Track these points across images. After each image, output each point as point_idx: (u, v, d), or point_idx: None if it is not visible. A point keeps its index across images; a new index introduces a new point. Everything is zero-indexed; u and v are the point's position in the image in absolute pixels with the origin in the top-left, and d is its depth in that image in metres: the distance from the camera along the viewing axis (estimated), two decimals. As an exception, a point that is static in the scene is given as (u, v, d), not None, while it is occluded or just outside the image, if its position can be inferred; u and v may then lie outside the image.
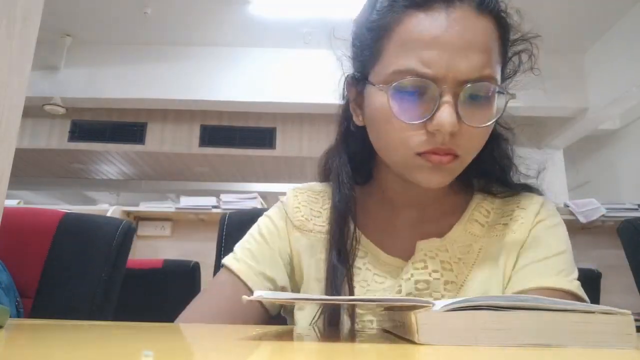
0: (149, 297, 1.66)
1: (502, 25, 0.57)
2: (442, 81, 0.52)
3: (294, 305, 0.66)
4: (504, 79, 0.61)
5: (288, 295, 0.55)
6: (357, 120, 0.62)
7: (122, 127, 5.00)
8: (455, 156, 0.55)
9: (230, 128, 5.00)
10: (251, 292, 0.63)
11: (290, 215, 0.69)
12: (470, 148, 0.56)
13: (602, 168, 5.34)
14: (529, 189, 0.68)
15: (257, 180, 6.48)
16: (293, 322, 0.66)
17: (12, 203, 3.11)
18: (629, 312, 0.32)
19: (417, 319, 0.32)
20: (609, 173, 5.20)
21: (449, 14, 0.52)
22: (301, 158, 4.96)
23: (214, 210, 3.27)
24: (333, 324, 0.59)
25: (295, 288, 0.67)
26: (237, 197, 3.40)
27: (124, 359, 0.25)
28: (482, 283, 0.59)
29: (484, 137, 0.56)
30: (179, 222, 3.54)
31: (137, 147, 5.05)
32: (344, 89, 0.65)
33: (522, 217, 0.63)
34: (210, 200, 3.35)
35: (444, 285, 0.59)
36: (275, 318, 0.68)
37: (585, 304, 0.32)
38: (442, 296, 0.59)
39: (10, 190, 0.55)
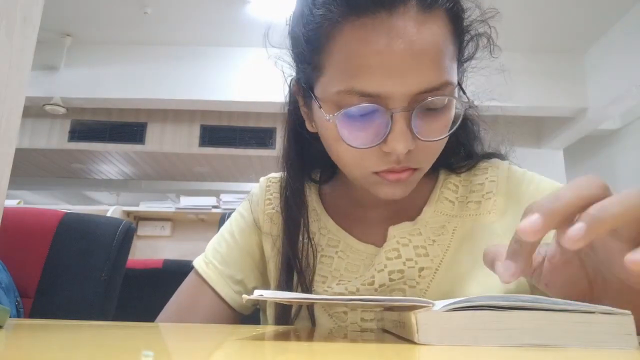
0: (149, 297, 1.66)
1: (454, 15, 0.50)
2: (391, 100, 0.47)
3: (266, 303, 0.64)
4: (462, 63, 0.57)
5: (288, 295, 0.55)
6: (310, 127, 0.59)
7: (122, 127, 5.00)
8: (413, 170, 0.52)
9: (230, 128, 5.00)
10: (219, 296, 0.63)
11: (261, 208, 0.67)
12: (427, 159, 0.53)
13: (602, 168, 5.34)
14: (490, 155, 0.66)
15: (257, 180, 6.46)
16: (265, 320, 0.65)
17: (12, 203, 3.11)
18: (629, 312, 0.32)
19: (417, 319, 0.32)
20: (609, 173, 5.20)
21: (393, 21, 0.46)
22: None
23: (214, 210, 3.27)
24: (294, 322, 0.59)
25: (268, 285, 0.66)
26: (237, 197, 3.41)
27: (124, 359, 0.25)
28: (459, 266, 0.57)
29: (442, 145, 0.53)
30: (179, 222, 3.54)
31: (137, 147, 5.04)
32: (290, 90, 0.62)
33: (493, 191, 0.60)
34: (210, 200, 3.35)
35: (418, 272, 0.56)
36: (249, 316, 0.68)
37: (585, 304, 0.32)
38: (417, 283, 0.56)
39: (10, 190, 0.54)
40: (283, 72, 0.62)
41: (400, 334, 0.37)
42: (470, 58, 0.58)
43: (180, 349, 0.34)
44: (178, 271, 1.85)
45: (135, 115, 4.99)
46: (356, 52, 0.47)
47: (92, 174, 6.57)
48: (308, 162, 0.66)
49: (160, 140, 5.03)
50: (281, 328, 0.61)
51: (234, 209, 0.75)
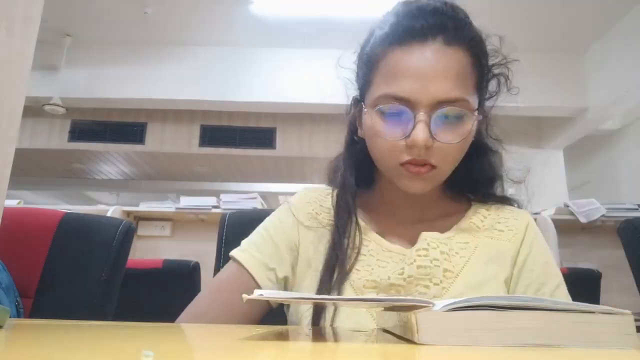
0: (149, 297, 1.66)
1: (474, 53, 0.66)
2: (416, 104, 0.62)
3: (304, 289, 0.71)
4: (484, 98, 0.71)
5: (287, 294, 0.55)
6: (360, 133, 0.73)
7: (122, 127, 5.00)
8: (432, 167, 0.64)
9: (230, 128, 5.00)
10: (254, 279, 0.70)
11: (301, 209, 0.76)
12: (445, 160, 0.64)
13: (602, 168, 5.34)
14: (510, 200, 0.78)
15: (257, 180, 6.48)
16: (297, 318, 0.70)
17: (12, 203, 3.11)
18: (629, 312, 0.32)
19: (417, 319, 0.32)
20: (609, 173, 5.21)
21: (423, 49, 0.63)
22: (301, 158, 4.96)
23: (214, 210, 3.27)
24: (318, 320, 0.65)
25: (295, 279, 0.73)
26: (237, 197, 3.40)
27: (124, 359, 0.25)
28: (476, 275, 0.67)
29: (458, 151, 0.65)
30: (179, 222, 3.54)
31: (137, 147, 5.05)
32: (350, 105, 0.76)
33: (516, 227, 0.73)
34: (210, 200, 3.35)
35: (443, 272, 0.66)
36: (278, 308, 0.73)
37: (585, 304, 0.32)
38: (441, 282, 0.65)
39: (10, 190, 0.54)
40: (346, 90, 0.76)
41: (400, 334, 0.37)
42: (493, 96, 0.73)
43: (180, 349, 0.34)
44: (178, 271, 1.86)
45: (135, 115, 4.99)
46: (394, 68, 0.64)
47: (92, 174, 6.57)
48: (357, 167, 0.76)
49: (160, 140, 5.03)
50: (282, 328, 0.61)
51: (234, 209, 0.76)
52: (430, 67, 0.62)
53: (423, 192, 0.66)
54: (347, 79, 0.76)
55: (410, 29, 0.64)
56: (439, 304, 0.33)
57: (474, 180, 0.76)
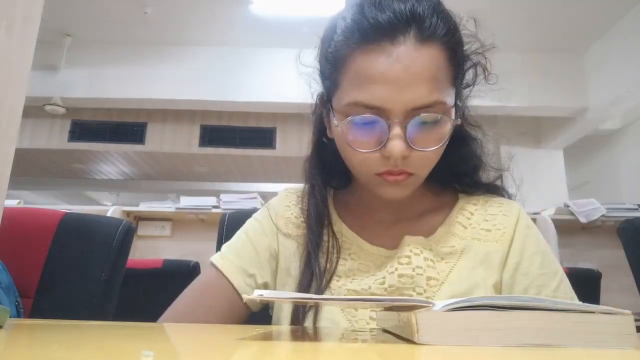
0: (149, 297, 1.66)
1: (449, 46, 0.60)
2: (390, 112, 0.57)
3: (280, 304, 0.69)
4: (461, 90, 0.66)
5: (287, 294, 0.55)
6: (329, 133, 0.68)
7: (122, 127, 5.00)
8: (409, 174, 0.60)
9: (230, 128, 5.00)
10: (232, 286, 0.68)
11: (280, 214, 0.73)
12: (422, 166, 0.61)
13: (602, 168, 5.34)
14: (499, 189, 0.74)
15: (257, 180, 6.48)
16: (277, 319, 0.70)
17: (12, 203, 3.11)
18: (629, 312, 0.32)
19: (417, 319, 0.32)
20: (609, 173, 5.21)
21: (394, 49, 0.56)
22: (301, 158, 4.89)
23: (214, 210, 3.26)
24: (300, 322, 0.63)
25: (275, 284, 0.72)
26: (237, 197, 3.40)
27: (124, 359, 0.25)
28: (462, 282, 0.63)
29: (435, 156, 0.61)
30: (179, 222, 3.54)
31: (137, 147, 5.05)
32: (316, 103, 0.71)
33: (504, 226, 0.68)
34: (210, 200, 3.35)
35: (426, 280, 0.62)
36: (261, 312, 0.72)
37: (585, 304, 0.32)
38: (425, 291, 0.62)
39: (10, 190, 0.54)
40: (310, 86, 0.71)
41: (400, 334, 0.37)
42: (470, 85, 0.67)
43: (180, 349, 0.34)
44: (178, 271, 1.85)
45: (135, 115, 4.99)
46: (363, 72, 0.58)
47: (92, 174, 6.57)
48: (327, 168, 0.73)
49: (160, 140, 5.03)
50: (282, 328, 0.61)
51: (234, 209, 0.76)
52: (403, 70, 0.56)
53: (403, 197, 0.63)
54: (308, 75, 0.70)
55: (377, 26, 0.56)
56: (439, 303, 0.33)
57: (458, 171, 0.72)
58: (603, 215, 2.81)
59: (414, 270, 0.62)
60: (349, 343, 0.37)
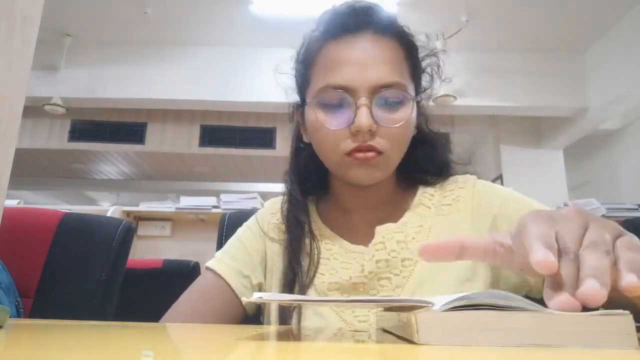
0: (149, 297, 1.66)
1: (406, 44, 0.68)
2: (356, 90, 0.63)
3: (269, 304, 0.72)
4: (420, 90, 0.73)
5: (286, 296, 0.55)
6: (305, 139, 0.74)
7: (122, 127, 5.00)
8: (379, 153, 0.64)
9: (230, 128, 5.00)
10: (229, 287, 0.71)
11: (267, 219, 0.78)
12: (390, 145, 0.65)
13: (602, 168, 5.34)
14: (452, 171, 0.78)
15: (257, 180, 6.48)
16: (268, 321, 0.72)
17: (12, 203, 3.11)
18: (628, 312, 0.32)
19: (416, 319, 0.32)
20: (609, 173, 5.21)
21: (356, 40, 0.65)
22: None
23: (214, 210, 3.27)
24: (286, 322, 0.66)
25: (267, 287, 0.75)
26: (237, 197, 3.40)
27: (124, 359, 0.25)
28: None
29: (401, 136, 0.66)
30: (179, 222, 3.54)
31: (137, 147, 5.05)
32: (292, 113, 0.78)
33: (462, 195, 0.72)
34: (210, 200, 3.35)
35: (401, 262, 0.66)
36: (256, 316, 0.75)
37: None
38: (400, 272, 0.66)
39: (10, 190, 0.54)
40: (286, 94, 0.77)
41: (400, 334, 0.38)
42: (427, 90, 0.74)
43: (180, 349, 0.34)
44: (178, 271, 1.85)
45: (135, 115, 4.99)
46: (331, 60, 0.66)
47: (92, 174, 6.57)
48: (305, 177, 0.77)
49: (160, 140, 5.03)
50: (281, 328, 0.61)
51: (234, 209, 0.77)
52: (366, 54, 0.64)
53: (373, 181, 0.66)
54: (285, 84, 0.77)
55: (342, 25, 0.66)
56: (438, 303, 0.33)
57: (423, 170, 0.76)
58: (603, 215, 2.81)
59: (389, 254, 0.66)
60: (349, 343, 0.37)
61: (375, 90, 0.63)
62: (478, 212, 0.69)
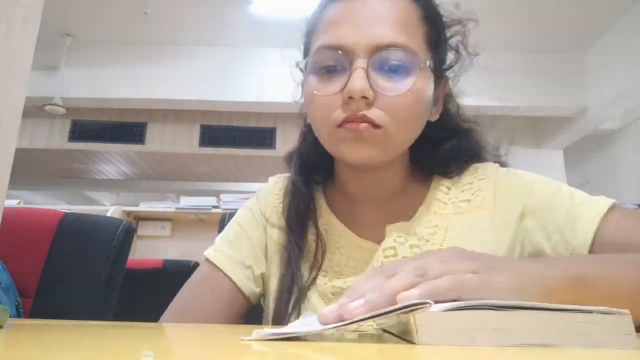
0: (149, 297, 1.66)
1: (423, 6, 0.59)
2: (353, 51, 0.54)
3: (270, 295, 0.67)
4: (443, 64, 0.63)
5: (287, 329, 0.55)
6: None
7: (122, 127, 5.00)
8: (375, 126, 0.54)
9: (230, 128, 4.99)
10: (231, 280, 0.65)
11: (269, 202, 0.70)
12: (390, 118, 0.55)
13: (602, 168, 5.34)
14: (473, 158, 0.68)
15: (257, 180, 6.47)
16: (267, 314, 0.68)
17: (12, 203, 3.11)
18: (628, 312, 0.32)
19: (415, 319, 0.32)
20: (609, 173, 5.20)
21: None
22: (301, 158, 4.94)
23: (214, 210, 3.27)
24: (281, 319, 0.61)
25: (270, 277, 0.69)
26: (237, 197, 3.40)
27: (124, 359, 0.25)
28: None
29: (405, 108, 0.55)
30: (179, 222, 3.54)
31: (137, 147, 5.04)
32: (301, 94, 0.68)
33: (482, 189, 0.63)
34: (210, 200, 3.35)
35: None
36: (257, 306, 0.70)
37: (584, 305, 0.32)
38: None
39: (10, 190, 0.54)
40: (293, 77, 0.68)
41: (400, 334, 0.38)
42: (452, 67, 0.65)
43: (180, 349, 0.34)
44: (178, 271, 1.85)
45: (135, 115, 4.99)
46: (330, 20, 0.58)
47: (92, 174, 6.56)
48: (313, 162, 0.69)
49: (160, 140, 5.03)
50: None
51: (234, 209, 0.76)
52: (369, 10, 0.55)
53: (369, 160, 0.56)
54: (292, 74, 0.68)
55: None
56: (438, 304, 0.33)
57: (442, 163, 0.67)
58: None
59: None
60: (349, 343, 0.37)
61: (375, 51, 0.54)
62: (502, 208, 0.61)
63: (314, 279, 0.62)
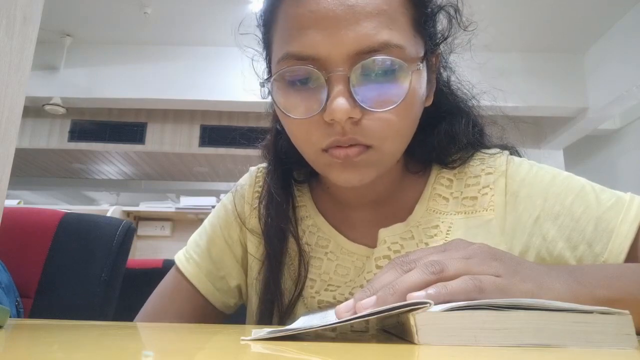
0: (149, 297, 1.66)
1: None
2: (328, 62, 0.43)
3: (252, 307, 0.61)
4: (434, 41, 0.52)
5: (287, 329, 0.54)
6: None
7: (122, 127, 4.99)
8: (366, 147, 0.46)
9: (230, 128, 4.99)
10: (199, 294, 0.59)
11: (247, 199, 0.62)
12: (381, 136, 0.46)
13: (602, 168, 5.34)
14: (481, 146, 0.59)
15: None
16: (250, 318, 0.63)
17: (12, 203, 3.11)
18: (628, 312, 0.32)
19: (415, 319, 0.32)
20: (609, 173, 5.20)
21: None
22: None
23: (214, 210, 3.26)
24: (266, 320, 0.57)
25: (249, 288, 0.63)
26: (237, 197, 3.40)
27: (123, 359, 0.25)
28: None
29: (399, 120, 0.46)
30: (179, 222, 3.54)
31: (137, 147, 5.04)
32: (266, 90, 0.56)
33: (491, 185, 0.55)
34: (210, 200, 3.35)
35: None
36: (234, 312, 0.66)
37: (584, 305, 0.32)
38: None
39: (10, 190, 0.54)
40: (255, 71, 0.59)
41: (400, 334, 0.38)
42: (445, 38, 0.54)
43: (180, 349, 0.34)
44: (178, 271, 1.82)
45: (135, 115, 4.99)
46: (294, 17, 0.45)
47: (92, 174, 6.56)
48: (295, 159, 0.59)
49: (160, 140, 5.03)
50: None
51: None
52: (339, 4, 0.43)
53: (364, 182, 0.48)
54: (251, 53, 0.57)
55: None
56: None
57: (443, 152, 0.57)
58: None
59: None
60: (349, 343, 0.37)
61: (356, 58, 0.43)
62: (514, 209, 0.53)
63: (299, 294, 0.56)
